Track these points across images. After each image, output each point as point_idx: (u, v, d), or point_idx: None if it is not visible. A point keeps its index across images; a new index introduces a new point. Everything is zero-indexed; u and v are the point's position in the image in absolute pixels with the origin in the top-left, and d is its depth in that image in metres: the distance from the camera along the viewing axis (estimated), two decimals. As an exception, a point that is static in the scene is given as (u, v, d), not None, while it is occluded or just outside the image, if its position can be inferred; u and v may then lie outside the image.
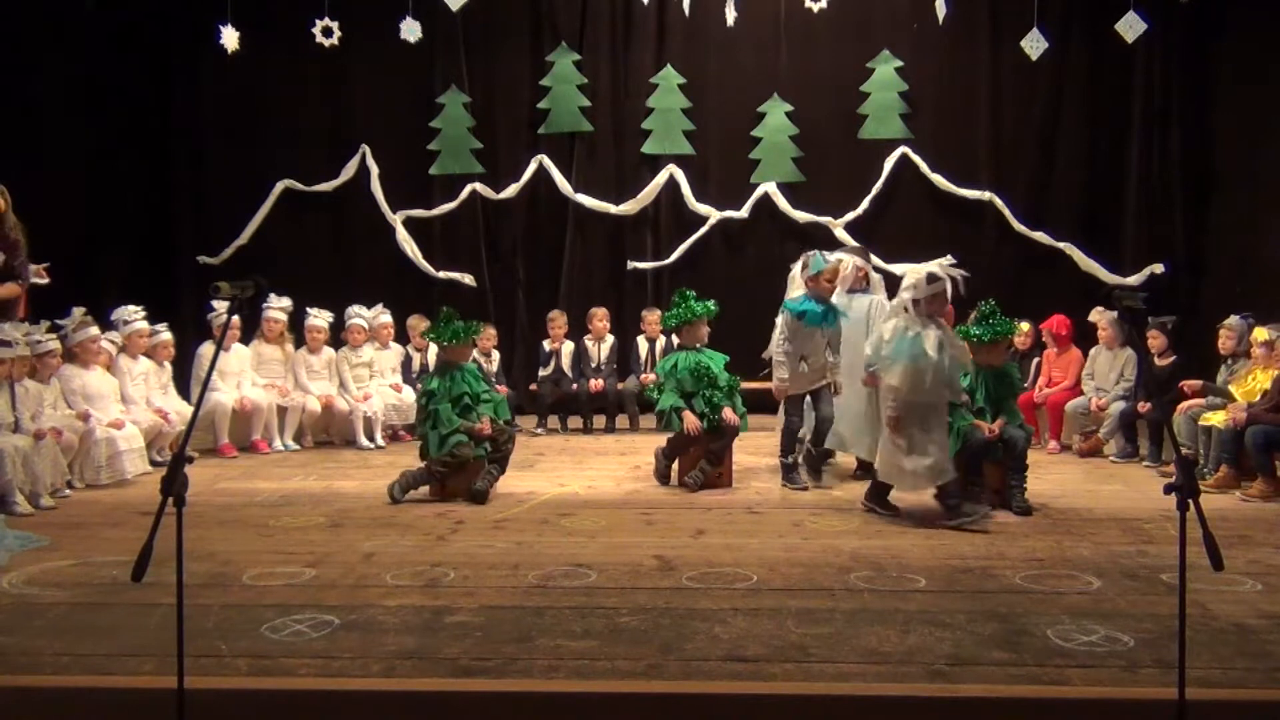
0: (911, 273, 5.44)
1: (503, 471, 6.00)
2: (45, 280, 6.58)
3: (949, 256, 9.09)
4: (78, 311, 6.65)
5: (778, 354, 6.12)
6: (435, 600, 4.00)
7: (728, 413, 6.15)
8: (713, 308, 6.38)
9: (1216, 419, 6.29)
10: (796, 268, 6.29)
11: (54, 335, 6.42)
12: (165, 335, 7.35)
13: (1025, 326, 7.74)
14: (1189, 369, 7.05)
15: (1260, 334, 6.41)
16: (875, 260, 9.01)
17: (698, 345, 6.35)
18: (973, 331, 5.82)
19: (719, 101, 9.45)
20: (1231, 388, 6.50)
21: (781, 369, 6.11)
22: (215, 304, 7.52)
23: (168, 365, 7.35)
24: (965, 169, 9.24)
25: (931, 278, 5.33)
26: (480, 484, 5.77)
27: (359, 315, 8.14)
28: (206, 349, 7.49)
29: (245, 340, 7.84)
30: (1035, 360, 7.93)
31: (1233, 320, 6.73)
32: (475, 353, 7.90)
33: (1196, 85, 8.91)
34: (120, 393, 6.79)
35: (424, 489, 5.92)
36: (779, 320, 6.21)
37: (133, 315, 7.09)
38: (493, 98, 9.56)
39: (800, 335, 6.08)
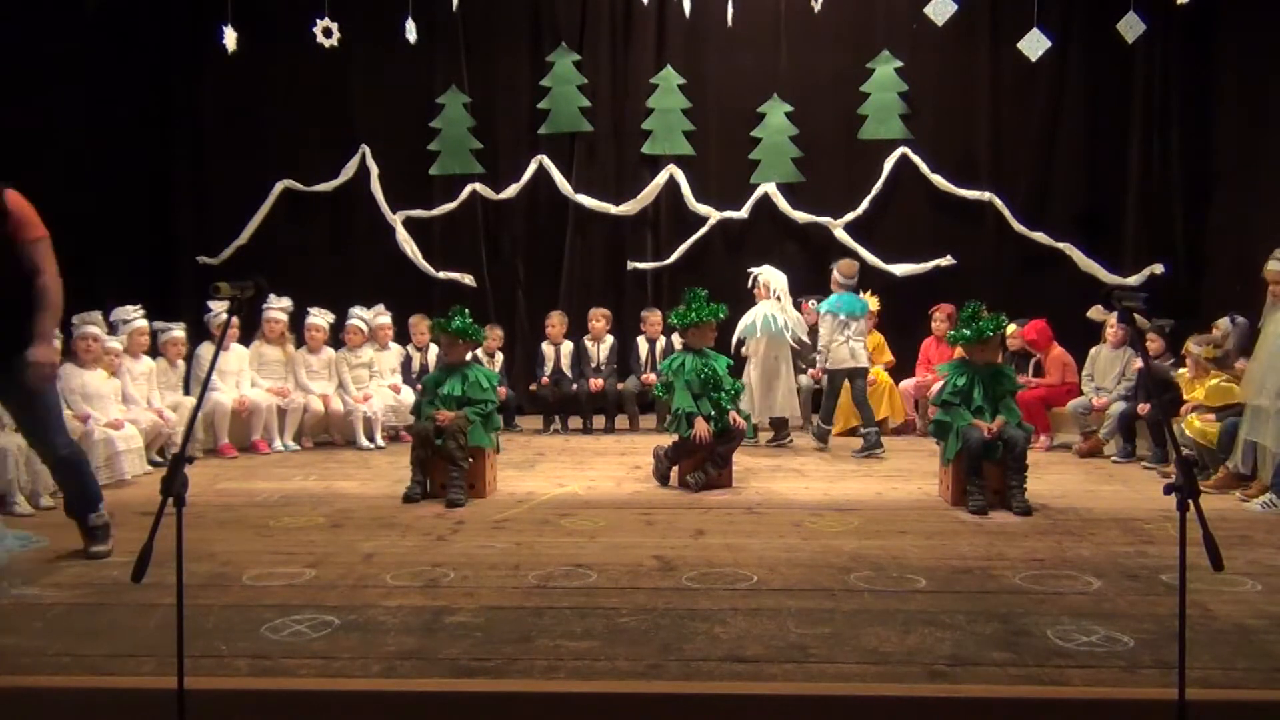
0: None
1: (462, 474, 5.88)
2: None
3: (948, 256, 9.16)
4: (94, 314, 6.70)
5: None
6: (435, 600, 4.00)
7: (735, 416, 6.17)
8: (723, 313, 6.40)
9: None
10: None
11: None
12: (176, 333, 7.33)
13: (1013, 328, 7.73)
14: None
15: (1189, 347, 6.53)
16: (873, 260, 9.08)
17: (703, 348, 6.35)
18: (960, 334, 5.86)
19: (719, 101, 9.45)
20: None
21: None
22: (212, 304, 7.52)
23: (181, 364, 7.34)
24: (965, 169, 9.24)
25: None
26: (453, 495, 5.75)
27: (357, 316, 8.14)
28: (206, 349, 7.48)
29: (245, 341, 7.85)
30: (1034, 359, 7.93)
31: (1222, 322, 6.70)
32: (479, 352, 7.92)
33: (1196, 85, 8.90)
34: (122, 393, 6.79)
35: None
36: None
37: (131, 314, 7.09)
38: (493, 98, 9.56)
39: None
